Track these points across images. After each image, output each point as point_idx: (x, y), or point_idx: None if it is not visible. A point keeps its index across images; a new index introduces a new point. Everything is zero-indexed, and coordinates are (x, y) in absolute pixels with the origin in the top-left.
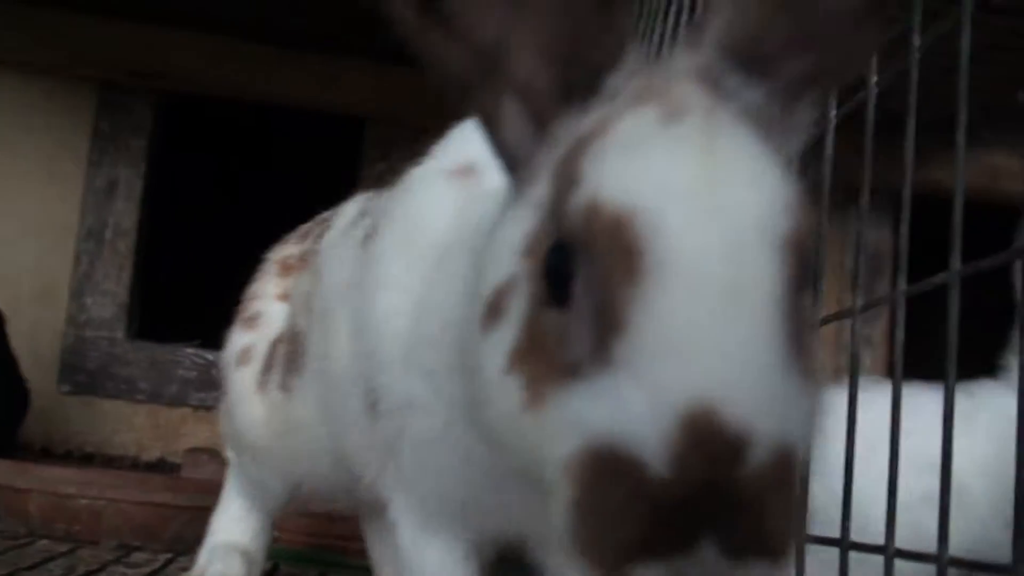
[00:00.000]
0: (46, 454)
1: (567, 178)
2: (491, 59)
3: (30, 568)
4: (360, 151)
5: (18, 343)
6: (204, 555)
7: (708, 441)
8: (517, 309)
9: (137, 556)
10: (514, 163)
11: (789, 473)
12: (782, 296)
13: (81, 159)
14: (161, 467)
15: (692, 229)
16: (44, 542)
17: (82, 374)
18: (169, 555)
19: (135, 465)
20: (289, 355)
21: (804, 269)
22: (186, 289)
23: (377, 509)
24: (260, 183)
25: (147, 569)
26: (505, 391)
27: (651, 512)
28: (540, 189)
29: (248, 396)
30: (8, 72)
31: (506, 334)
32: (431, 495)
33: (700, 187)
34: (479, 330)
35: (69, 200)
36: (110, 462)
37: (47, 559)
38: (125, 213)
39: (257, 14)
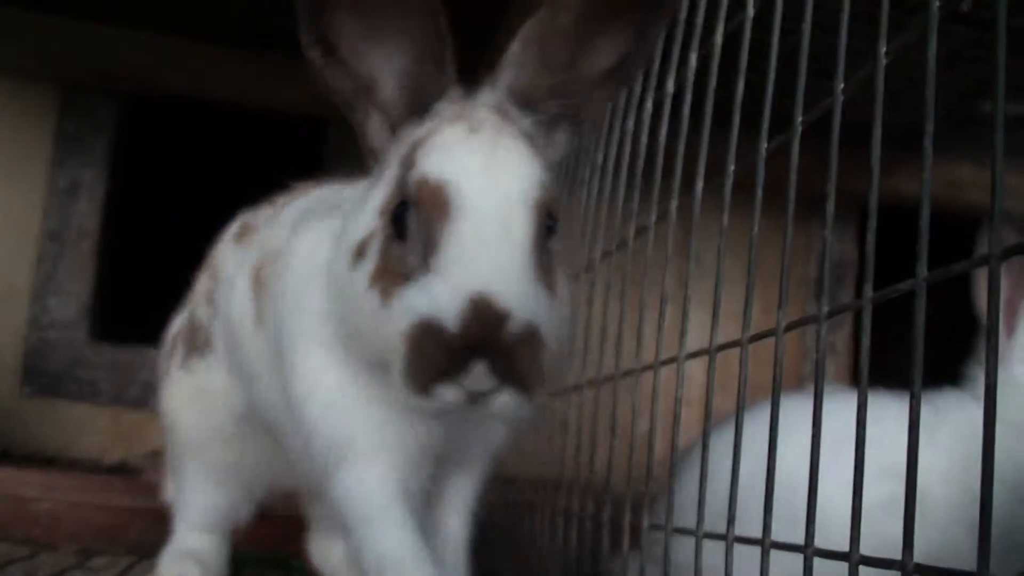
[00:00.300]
0: (6, 457)
1: (408, 164)
2: (365, 88)
3: None
4: (323, 153)
5: None
6: (164, 559)
7: (483, 313)
8: (374, 248)
9: (98, 560)
10: (375, 156)
11: (534, 338)
12: (532, 237)
13: (44, 160)
14: (123, 470)
15: (479, 193)
16: (4, 546)
17: (44, 376)
18: (131, 559)
19: (97, 468)
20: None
21: (548, 224)
22: (149, 291)
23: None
24: (223, 185)
25: (107, 573)
26: (368, 300)
27: (447, 354)
28: (391, 172)
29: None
30: None
31: (368, 264)
32: (347, 441)
33: (485, 171)
34: (347, 269)
35: (31, 201)
36: (72, 465)
37: (6, 563)
38: (88, 214)
39: (220, 15)
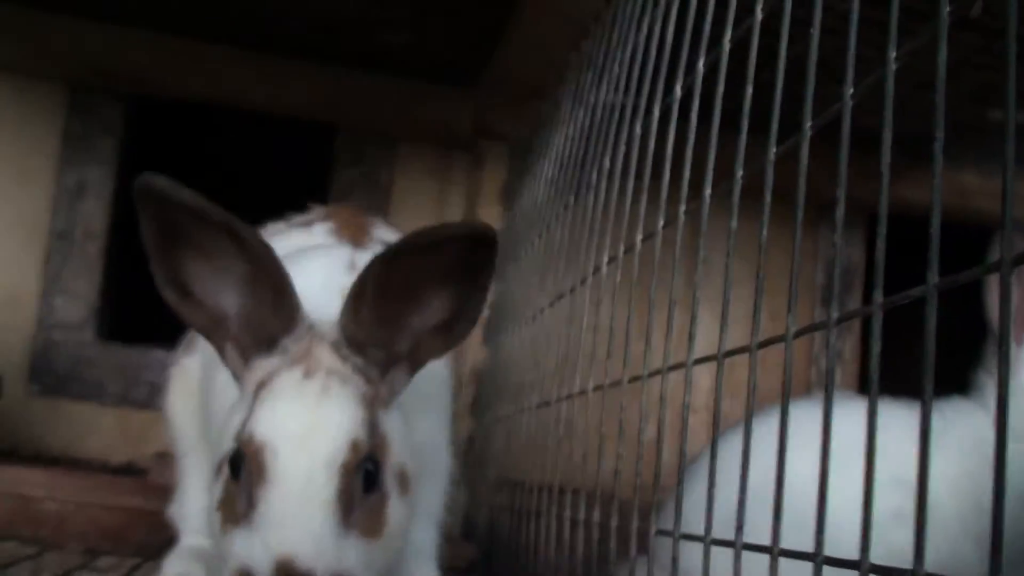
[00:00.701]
0: (13, 456)
1: (252, 403)
2: (217, 322)
3: None
4: (331, 156)
5: None
6: (169, 560)
7: (289, 573)
8: (224, 473)
9: (104, 560)
10: (236, 378)
11: None
12: (343, 495)
13: (51, 160)
14: (129, 471)
15: (291, 459)
16: (10, 544)
17: (51, 376)
18: (137, 560)
19: (103, 469)
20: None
21: (358, 478)
22: (156, 291)
23: None
24: (231, 186)
25: (114, 574)
26: (214, 518)
27: None
28: (245, 401)
29: None
30: None
31: (218, 487)
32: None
33: (301, 436)
34: (213, 479)
35: (39, 201)
36: (78, 465)
37: (12, 562)
38: (95, 214)
39: (227, 17)
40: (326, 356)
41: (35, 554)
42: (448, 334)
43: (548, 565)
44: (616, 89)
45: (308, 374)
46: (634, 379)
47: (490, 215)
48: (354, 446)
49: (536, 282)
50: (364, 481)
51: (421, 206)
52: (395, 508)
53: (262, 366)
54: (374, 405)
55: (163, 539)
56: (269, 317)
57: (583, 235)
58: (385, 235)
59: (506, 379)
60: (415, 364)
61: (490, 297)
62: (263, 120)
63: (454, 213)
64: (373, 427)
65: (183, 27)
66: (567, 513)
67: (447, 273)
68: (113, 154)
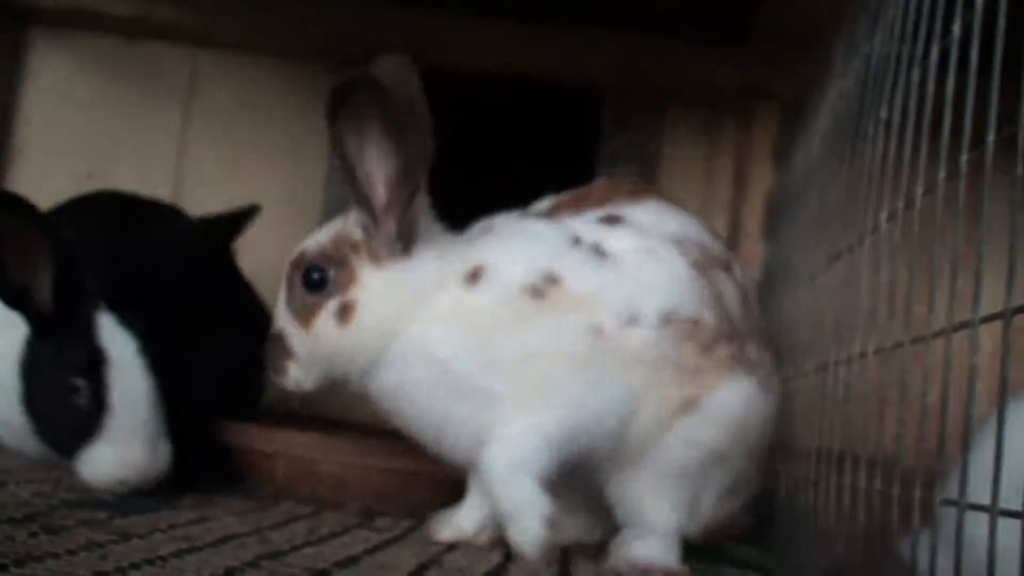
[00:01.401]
0: (290, 420)
1: None
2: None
3: (273, 527)
4: (598, 123)
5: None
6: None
7: None
8: None
9: (380, 521)
10: None
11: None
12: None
13: (325, 140)
14: (402, 435)
15: None
16: (288, 504)
17: None
18: (412, 520)
19: (376, 433)
20: None
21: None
22: None
23: None
24: (498, 157)
25: (390, 534)
26: None
27: None
28: None
29: None
30: (252, 55)
31: None
32: None
33: None
34: None
35: (314, 181)
36: (353, 429)
37: (291, 519)
38: None
39: None
40: None
41: (313, 513)
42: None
43: (827, 534)
44: (891, 36)
45: None
46: (916, 340)
47: (761, 177)
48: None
49: (811, 243)
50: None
51: (690, 171)
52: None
53: None
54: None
55: (436, 501)
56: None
57: (860, 192)
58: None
59: (781, 342)
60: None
61: (764, 259)
62: (524, 89)
63: (723, 176)
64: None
65: (447, 2)
66: (847, 481)
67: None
68: None
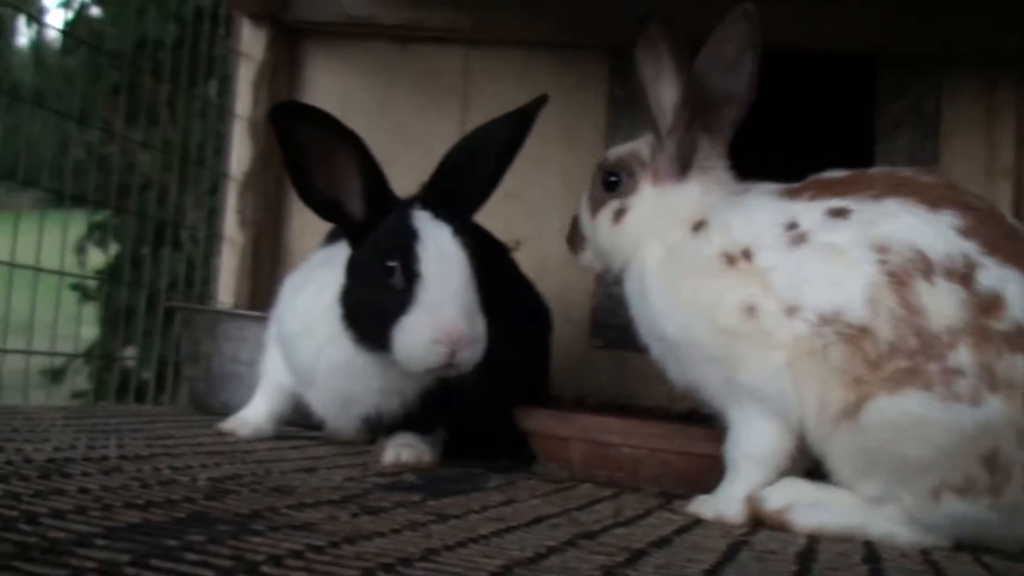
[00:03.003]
0: (580, 405)
1: None
2: None
3: (579, 508)
4: (873, 94)
5: (551, 303)
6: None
7: None
8: None
9: (679, 503)
10: None
11: None
12: None
13: (599, 125)
14: (691, 419)
15: None
16: (586, 487)
17: (612, 330)
18: None
19: (668, 416)
20: None
21: None
22: None
23: None
24: (780, 129)
25: (690, 517)
26: None
27: None
28: None
29: None
30: (524, 47)
31: None
32: None
33: None
34: None
35: (585, 167)
36: (642, 413)
37: (593, 501)
38: None
39: None
40: None
41: (613, 495)
42: None
43: None
44: None
45: None
46: None
47: None
48: None
49: None
50: None
51: (969, 135)
52: None
53: None
54: None
55: None
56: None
57: None
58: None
59: None
60: None
61: None
62: (799, 60)
63: (1005, 139)
64: None
65: None
66: None
67: None
68: None
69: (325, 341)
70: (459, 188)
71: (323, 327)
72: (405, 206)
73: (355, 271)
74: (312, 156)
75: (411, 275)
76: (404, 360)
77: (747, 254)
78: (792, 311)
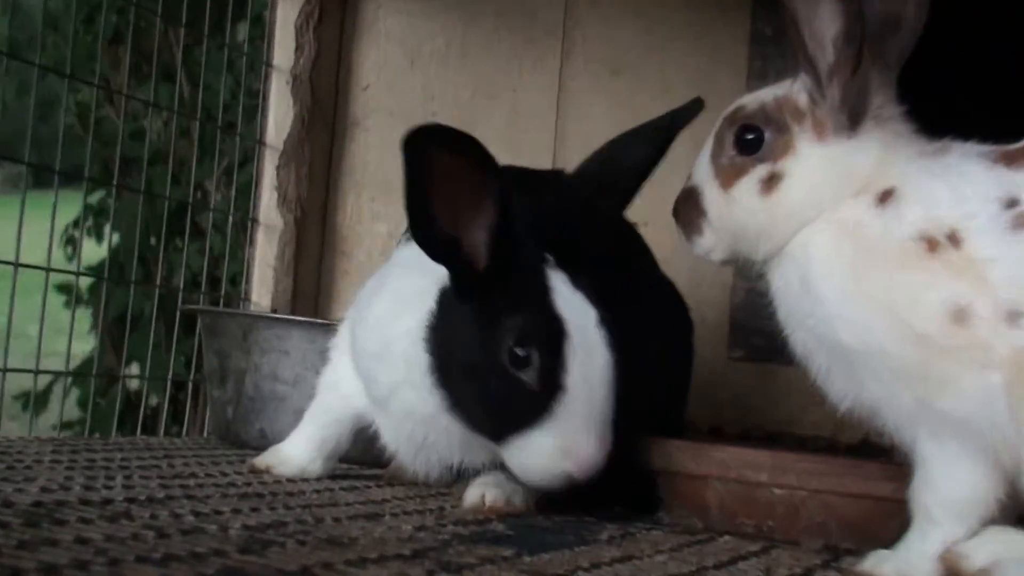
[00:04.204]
0: (717, 434)
1: None
2: None
3: (717, 567)
4: None
5: None
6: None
7: None
8: None
9: (850, 560)
10: None
11: None
12: None
13: (740, 73)
14: (863, 451)
15: None
16: (727, 539)
17: (757, 336)
18: None
19: (832, 448)
20: None
21: None
22: None
23: None
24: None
25: None
26: None
27: None
28: None
29: None
30: None
31: None
32: None
33: None
34: None
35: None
36: (799, 444)
37: (736, 559)
38: None
39: None
40: None
41: (761, 549)
42: None
43: None
44: None
45: None
46: None
47: None
48: None
49: None
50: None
51: None
52: None
53: None
54: None
55: None
56: None
57: None
58: None
59: None
60: None
61: None
62: None
63: None
64: None
65: None
66: None
67: None
68: None
69: (401, 378)
70: (592, 224)
71: (398, 360)
72: (535, 260)
73: (462, 331)
74: (441, 187)
75: (552, 383)
76: (518, 471)
77: (954, 238)
78: (1014, 317)
